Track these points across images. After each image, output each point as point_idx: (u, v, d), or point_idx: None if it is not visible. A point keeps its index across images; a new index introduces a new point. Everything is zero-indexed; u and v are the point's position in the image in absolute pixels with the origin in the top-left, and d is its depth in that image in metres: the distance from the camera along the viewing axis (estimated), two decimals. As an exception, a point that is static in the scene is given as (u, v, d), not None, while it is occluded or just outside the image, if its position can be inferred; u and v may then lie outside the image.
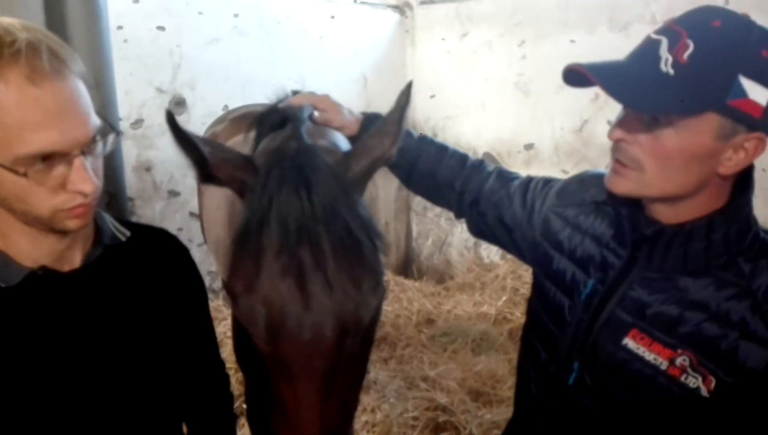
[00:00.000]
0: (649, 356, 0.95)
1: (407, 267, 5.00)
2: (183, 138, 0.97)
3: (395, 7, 4.85)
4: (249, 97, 3.34)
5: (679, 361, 0.92)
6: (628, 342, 0.98)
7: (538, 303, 1.22)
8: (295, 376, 0.92)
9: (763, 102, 0.84)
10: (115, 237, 1.05)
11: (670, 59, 0.86)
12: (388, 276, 4.51)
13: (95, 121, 0.87)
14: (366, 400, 2.98)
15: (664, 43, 0.88)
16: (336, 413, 0.93)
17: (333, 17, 4.34)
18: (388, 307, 4.02)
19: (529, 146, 4.25)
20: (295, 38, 4.09)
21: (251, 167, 1.04)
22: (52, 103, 0.81)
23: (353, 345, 0.96)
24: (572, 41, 3.88)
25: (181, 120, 3.73)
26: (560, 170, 4.05)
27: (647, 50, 0.90)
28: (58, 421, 0.94)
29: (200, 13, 3.57)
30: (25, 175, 0.82)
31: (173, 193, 3.59)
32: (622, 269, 1.03)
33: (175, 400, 1.14)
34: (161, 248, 1.14)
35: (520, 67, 4.22)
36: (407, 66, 4.95)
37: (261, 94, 3.39)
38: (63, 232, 0.93)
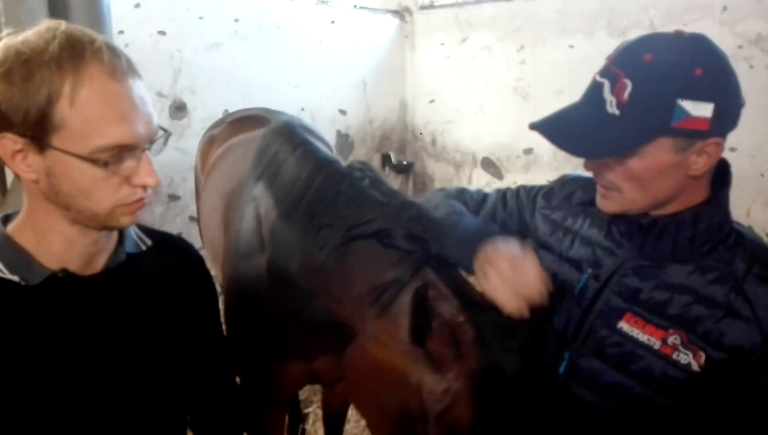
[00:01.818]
0: (643, 337, 1.02)
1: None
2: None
3: (395, 12, 4.87)
4: (249, 101, 3.35)
5: (670, 340, 0.99)
6: (623, 325, 1.04)
7: None
8: None
9: (707, 114, 0.92)
10: (137, 245, 1.07)
11: (614, 100, 0.95)
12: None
13: (156, 118, 0.93)
14: (365, 404, 2.98)
15: (607, 85, 0.96)
16: None
17: (333, 22, 4.36)
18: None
19: (528, 151, 4.26)
20: (295, 43, 4.11)
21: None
22: (129, 98, 0.87)
23: None
24: (571, 46, 3.90)
25: (182, 124, 3.76)
26: (559, 175, 4.05)
27: (594, 93, 0.99)
28: (62, 421, 0.95)
29: (201, 17, 3.59)
30: (105, 164, 0.86)
31: (173, 198, 3.60)
32: (614, 266, 1.10)
33: (183, 403, 1.15)
34: (179, 258, 1.15)
35: (519, 71, 4.23)
36: (407, 71, 4.97)
37: (261, 99, 3.42)
38: (109, 229, 0.97)
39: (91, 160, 0.86)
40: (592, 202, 1.12)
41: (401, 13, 4.90)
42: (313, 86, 4.28)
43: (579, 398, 1.10)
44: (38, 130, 0.84)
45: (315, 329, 1.55)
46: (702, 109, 0.91)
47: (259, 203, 1.54)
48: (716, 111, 0.92)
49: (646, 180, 0.98)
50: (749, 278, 0.97)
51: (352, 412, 2.93)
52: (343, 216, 1.24)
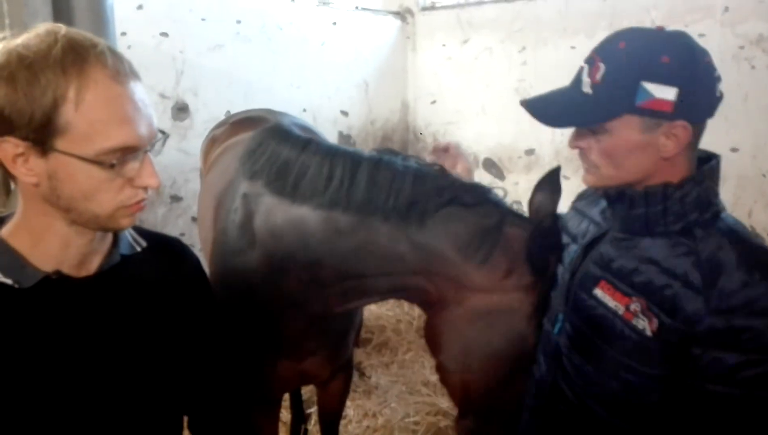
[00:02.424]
0: (612, 303, 1.12)
1: (408, 272, 5.00)
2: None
3: (396, 14, 4.88)
4: (251, 102, 3.36)
5: (633, 307, 1.08)
6: (598, 292, 1.15)
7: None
8: None
9: (671, 97, 1.02)
10: (131, 247, 1.07)
11: (589, 81, 1.08)
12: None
13: (155, 120, 0.95)
14: (367, 404, 2.99)
15: (585, 69, 1.10)
16: None
17: (335, 23, 4.37)
18: (389, 312, 4.02)
19: (529, 152, 4.26)
20: (297, 44, 4.12)
21: None
22: (132, 101, 0.89)
23: None
24: (572, 47, 3.90)
25: (184, 125, 3.77)
26: (560, 176, 4.06)
27: (576, 77, 1.13)
28: (56, 423, 0.95)
29: (203, 19, 3.60)
30: (112, 166, 0.87)
31: (176, 199, 3.61)
32: (601, 234, 1.22)
33: (179, 405, 1.15)
34: (175, 260, 1.15)
35: (520, 72, 4.23)
36: (408, 72, 4.98)
37: (263, 100, 3.42)
38: (108, 231, 0.98)
39: (96, 162, 0.86)
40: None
41: (403, 15, 4.91)
42: (315, 87, 4.29)
43: (567, 356, 1.21)
44: (42, 134, 0.84)
45: (312, 323, 1.56)
46: (665, 92, 1.01)
47: (251, 201, 1.54)
48: (680, 96, 1.01)
49: (617, 157, 1.09)
50: (711, 258, 1.02)
51: (353, 412, 2.94)
52: (418, 193, 1.35)
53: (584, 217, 1.32)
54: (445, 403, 2.96)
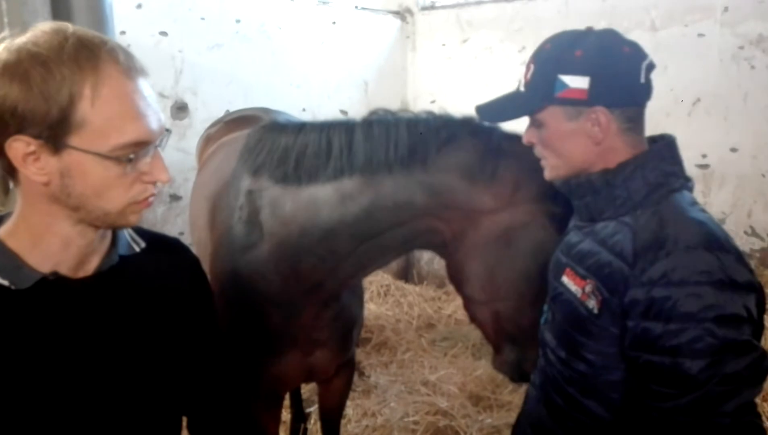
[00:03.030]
0: (573, 287, 1.19)
1: (408, 271, 5.01)
2: None
3: (396, 13, 4.88)
4: (250, 101, 3.36)
5: (587, 289, 1.15)
6: (564, 279, 1.22)
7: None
8: None
9: (584, 86, 1.12)
10: (130, 247, 1.06)
11: (523, 81, 1.22)
12: (389, 280, 4.52)
13: (162, 115, 0.95)
14: (366, 404, 2.99)
15: (523, 72, 1.23)
16: None
17: (334, 23, 4.37)
18: (388, 312, 4.03)
19: (529, 151, 4.27)
20: (297, 44, 4.11)
21: None
22: (142, 96, 0.89)
23: None
24: (572, 47, 3.90)
25: (183, 124, 3.77)
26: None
27: (518, 81, 1.25)
28: (54, 424, 0.94)
29: (202, 18, 3.59)
30: (130, 160, 0.88)
31: (175, 198, 3.61)
32: (565, 226, 1.32)
33: (177, 406, 1.14)
34: (173, 260, 1.14)
35: (520, 72, 4.22)
36: (408, 71, 4.98)
37: (262, 99, 3.42)
38: (116, 228, 0.99)
39: (112, 158, 0.86)
40: None
41: (402, 14, 4.90)
42: (315, 87, 4.29)
43: (549, 347, 1.26)
44: (57, 131, 0.84)
45: (326, 305, 1.61)
46: (578, 82, 1.12)
47: (257, 196, 1.55)
48: (592, 83, 1.11)
49: (554, 146, 1.19)
50: (642, 232, 1.08)
51: (353, 412, 2.94)
52: (415, 138, 1.41)
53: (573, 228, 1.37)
54: (444, 402, 2.96)
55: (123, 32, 3.09)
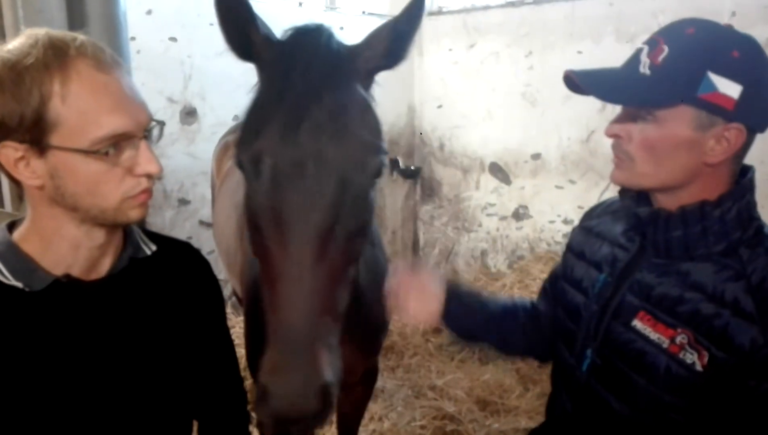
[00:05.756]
0: (654, 335, 1.02)
1: (414, 276, 4.99)
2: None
3: (403, 18, 4.88)
4: (258, 106, 3.37)
5: (678, 339, 0.99)
6: (637, 323, 1.05)
7: (561, 308, 1.29)
8: (290, 240, 0.91)
9: (734, 95, 0.93)
10: (141, 250, 1.08)
11: (648, 62, 0.98)
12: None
13: (148, 108, 0.95)
14: (373, 408, 2.99)
15: (645, 49, 1.00)
16: (324, 292, 0.93)
17: (342, 28, 4.38)
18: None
19: (536, 156, 4.26)
20: (304, 49, 4.12)
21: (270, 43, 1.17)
22: (118, 88, 0.90)
23: (348, 218, 0.96)
24: (579, 52, 3.90)
25: (192, 129, 3.78)
26: (567, 180, 4.05)
27: (633, 58, 1.03)
28: (66, 426, 0.96)
29: (211, 24, 3.58)
30: (106, 153, 0.88)
31: (183, 202, 3.62)
32: (632, 259, 1.11)
33: (188, 409, 1.15)
34: (184, 263, 1.16)
35: (527, 77, 4.24)
36: (415, 76, 4.98)
37: (270, 104, 3.43)
38: (120, 226, 0.99)
39: (92, 152, 0.87)
40: (627, 208, 1.14)
41: (409, 19, 4.91)
42: (322, 92, 4.29)
43: (599, 395, 1.12)
44: (36, 133, 0.85)
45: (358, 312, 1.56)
46: (730, 88, 0.93)
47: None
48: (743, 95, 0.93)
49: (660, 151, 0.99)
50: (763, 282, 0.94)
51: (359, 416, 2.94)
52: None
53: (602, 239, 1.22)
54: (451, 407, 2.95)
55: (133, 38, 3.11)
